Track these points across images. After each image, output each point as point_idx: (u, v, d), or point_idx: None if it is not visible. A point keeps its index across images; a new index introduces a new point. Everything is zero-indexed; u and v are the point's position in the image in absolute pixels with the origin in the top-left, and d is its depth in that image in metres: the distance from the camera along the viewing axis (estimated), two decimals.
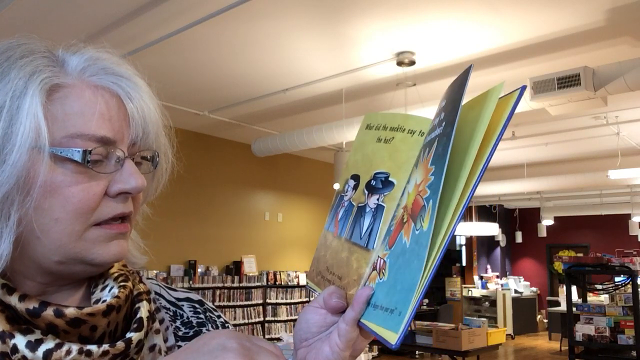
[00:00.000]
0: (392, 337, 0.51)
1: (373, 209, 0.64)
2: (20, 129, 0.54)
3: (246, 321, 7.81)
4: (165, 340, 0.68)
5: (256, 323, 7.99)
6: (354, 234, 0.65)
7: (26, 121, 0.54)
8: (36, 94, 0.55)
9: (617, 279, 6.38)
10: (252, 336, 0.52)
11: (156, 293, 0.76)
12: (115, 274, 0.66)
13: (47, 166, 0.55)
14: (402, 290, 0.52)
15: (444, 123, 0.54)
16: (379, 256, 0.60)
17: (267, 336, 7.91)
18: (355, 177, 0.69)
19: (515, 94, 0.52)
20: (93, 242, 0.59)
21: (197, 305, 0.79)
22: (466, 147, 0.52)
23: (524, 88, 0.52)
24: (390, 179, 0.64)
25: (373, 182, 0.66)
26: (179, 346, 0.70)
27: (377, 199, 0.64)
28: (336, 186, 0.74)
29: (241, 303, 7.79)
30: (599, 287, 6.46)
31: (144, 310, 0.64)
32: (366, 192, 0.66)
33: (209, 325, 0.77)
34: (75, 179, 0.57)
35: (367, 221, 0.64)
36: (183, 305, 0.77)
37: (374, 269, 0.60)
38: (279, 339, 6.64)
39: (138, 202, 0.65)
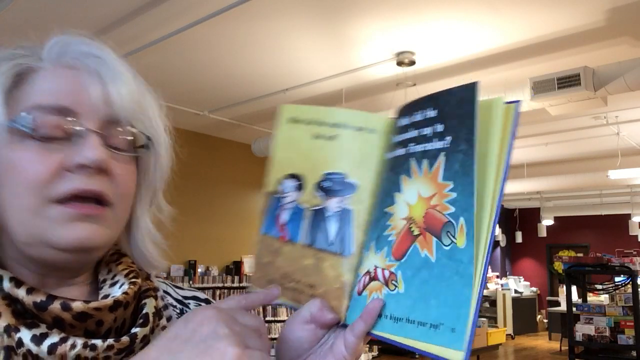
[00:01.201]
0: (457, 355, 0.50)
1: (337, 213, 0.61)
2: None
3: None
4: None
5: None
6: (317, 240, 0.62)
7: None
8: (0, 81, 0.59)
9: (617, 279, 6.38)
10: (236, 313, 0.51)
11: (163, 291, 0.76)
12: (126, 271, 0.66)
13: (10, 144, 0.58)
14: (444, 305, 0.52)
15: (449, 138, 0.55)
16: (376, 266, 0.58)
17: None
18: (296, 177, 0.65)
19: (513, 107, 0.54)
20: (55, 221, 0.58)
21: (203, 304, 0.78)
22: (484, 165, 0.53)
23: (518, 103, 0.54)
24: (348, 180, 0.61)
25: (326, 184, 0.62)
26: None
27: (340, 202, 0.61)
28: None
29: None
30: (599, 287, 6.46)
31: (150, 306, 0.64)
32: (320, 193, 0.63)
33: None
34: (32, 153, 0.57)
35: (333, 226, 0.61)
36: (190, 304, 0.77)
37: (373, 279, 0.58)
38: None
39: (122, 188, 0.62)
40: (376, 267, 0.58)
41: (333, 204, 0.62)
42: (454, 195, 0.53)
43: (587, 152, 8.60)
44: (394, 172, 0.59)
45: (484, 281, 0.51)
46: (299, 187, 0.65)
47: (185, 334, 0.49)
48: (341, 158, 0.62)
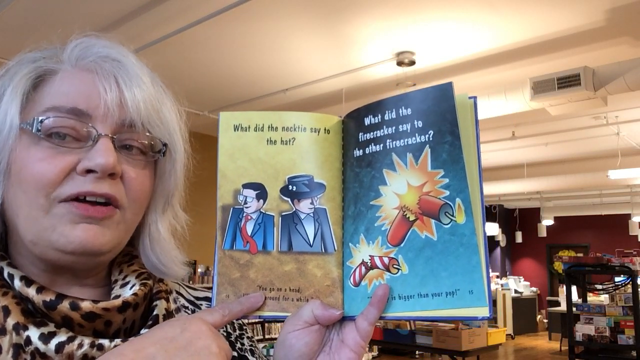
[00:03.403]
0: (482, 311, 0.56)
1: (312, 214, 0.62)
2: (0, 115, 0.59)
3: (246, 321, 7.79)
4: None
5: (256, 323, 7.98)
6: (294, 244, 0.63)
7: (2, 107, 0.59)
8: (20, 81, 0.60)
9: (617, 279, 6.38)
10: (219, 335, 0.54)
11: (176, 292, 0.76)
12: (138, 271, 0.67)
13: (26, 145, 0.59)
14: (456, 274, 0.58)
15: (431, 132, 0.60)
16: (372, 255, 0.61)
17: (267, 336, 7.91)
18: (255, 186, 0.64)
19: (473, 101, 0.60)
20: (60, 220, 0.58)
21: None
22: (467, 151, 0.60)
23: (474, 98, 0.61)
24: (316, 180, 0.62)
25: (292, 187, 0.63)
26: None
27: (312, 203, 0.62)
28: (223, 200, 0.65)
29: None
30: (599, 287, 6.46)
31: (160, 308, 0.65)
32: (286, 198, 0.63)
33: (227, 326, 0.78)
34: (44, 154, 0.58)
35: (309, 227, 0.62)
36: (201, 305, 0.78)
37: (370, 268, 0.61)
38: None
39: (135, 192, 0.62)
40: (372, 257, 0.61)
41: (304, 206, 0.62)
42: (446, 180, 0.59)
43: (587, 152, 8.60)
44: (372, 167, 0.63)
45: (487, 248, 0.58)
46: (261, 196, 0.64)
47: (181, 341, 0.51)
48: (303, 160, 0.63)
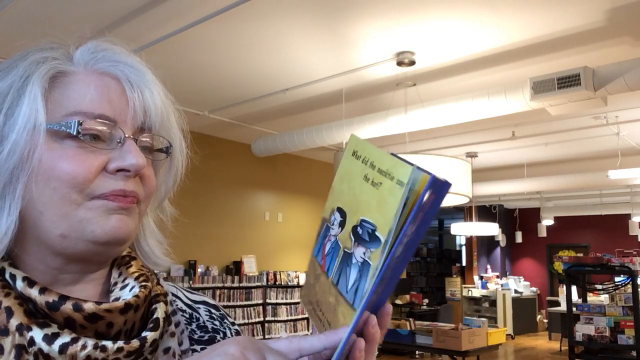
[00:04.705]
0: None
1: (359, 264, 0.60)
2: (22, 111, 0.60)
3: (246, 321, 7.81)
4: (180, 344, 0.69)
5: (256, 323, 7.99)
6: (340, 282, 0.62)
7: (26, 105, 0.60)
8: (37, 80, 0.61)
9: (617, 279, 6.39)
10: (268, 346, 0.52)
11: (173, 295, 0.77)
12: (136, 274, 0.67)
13: (47, 143, 0.60)
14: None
15: None
16: None
17: (267, 336, 7.91)
18: (342, 212, 0.65)
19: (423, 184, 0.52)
20: (94, 212, 0.60)
21: (213, 310, 0.80)
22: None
23: (433, 178, 0.51)
24: (376, 233, 0.59)
25: (359, 230, 0.61)
26: (194, 350, 0.71)
27: (364, 254, 0.60)
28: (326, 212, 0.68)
29: (241, 303, 7.78)
30: (599, 287, 6.47)
31: (160, 311, 0.65)
32: (353, 238, 0.62)
33: (226, 331, 0.78)
34: (73, 152, 0.60)
35: (353, 275, 0.60)
36: (199, 308, 0.78)
37: None
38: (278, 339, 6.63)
39: (149, 188, 0.66)
40: None
41: (359, 254, 0.60)
42: None
43: (587, 152, 8.60)
44: None
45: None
46: (342, 224, 0.65)
47: (206, 352, 0.52)
48: (377, 209, 0.59)
